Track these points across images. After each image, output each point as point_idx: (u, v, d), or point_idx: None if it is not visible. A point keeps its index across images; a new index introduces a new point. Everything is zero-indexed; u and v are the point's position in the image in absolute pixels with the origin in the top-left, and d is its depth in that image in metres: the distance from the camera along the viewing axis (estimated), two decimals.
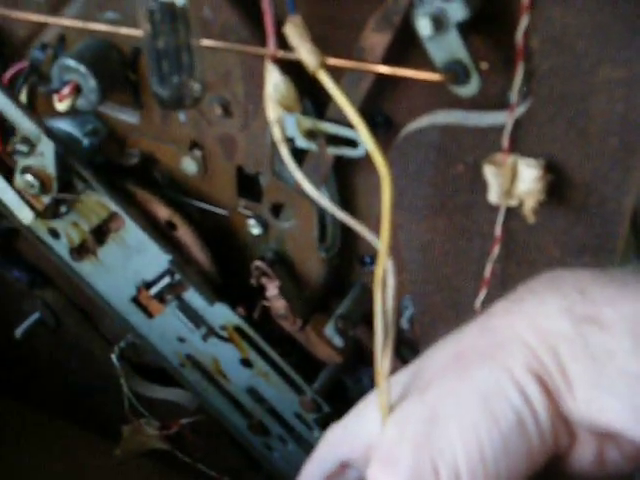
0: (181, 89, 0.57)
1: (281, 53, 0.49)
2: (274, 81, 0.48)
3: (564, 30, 0.50)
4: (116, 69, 0.68)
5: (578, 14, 0.49)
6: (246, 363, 0.79)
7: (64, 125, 0.74)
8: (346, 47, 0.58)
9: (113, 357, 0.89)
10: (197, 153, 0.70)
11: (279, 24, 0.47)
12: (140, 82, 0.69)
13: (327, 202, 0.44)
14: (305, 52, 0.45)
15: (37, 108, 0.74)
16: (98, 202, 0.72)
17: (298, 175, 0.45)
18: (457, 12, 0.50)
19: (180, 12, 0.53)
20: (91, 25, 0.64)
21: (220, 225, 0.75)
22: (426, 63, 0.53)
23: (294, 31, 0.46)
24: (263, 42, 0.61)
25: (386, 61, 0.56)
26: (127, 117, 0.72)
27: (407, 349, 0.74)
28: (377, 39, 0.56)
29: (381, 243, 0.41)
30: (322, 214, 0.69)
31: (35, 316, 0.91)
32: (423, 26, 0.50)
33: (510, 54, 0.52)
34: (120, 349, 0.89)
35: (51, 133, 0.69)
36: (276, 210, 0.71)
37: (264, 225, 0.72)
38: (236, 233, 0.75)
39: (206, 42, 0.60)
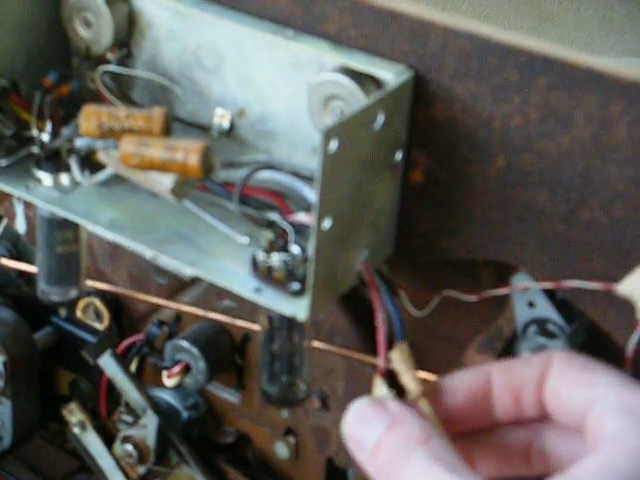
0: (289, 388, 0.60)
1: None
2: (380, 394, 0.51)
3: None
4: (225, 353, 0.72)
5: None
6: None
7: (166, 395, 0.77)
8: (447, 362, 0.61)
9: None
10: (291, 439, 0.73)
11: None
12: (245, 366, 0.73)
13: None
14: (408, 379, 0.48)
15: (144, 377, 0.78)
16: (189, 476, 0.74)
17: None
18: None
19: (298, 322, 0.57)
20: (209, 314, 0.69)
21: None
22: None
23: (400, 357, 0.49)
24: (368, 345, 0.65)
25: None
26: (228, 396, 0.75)
27: None
28: (478, 359, 0.59)
29: None
30: None
31: None
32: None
33: None
34: None
35: (156, 407, 0.72)
36: None
37: None
38: None
39: (317, 344, 0.64)
